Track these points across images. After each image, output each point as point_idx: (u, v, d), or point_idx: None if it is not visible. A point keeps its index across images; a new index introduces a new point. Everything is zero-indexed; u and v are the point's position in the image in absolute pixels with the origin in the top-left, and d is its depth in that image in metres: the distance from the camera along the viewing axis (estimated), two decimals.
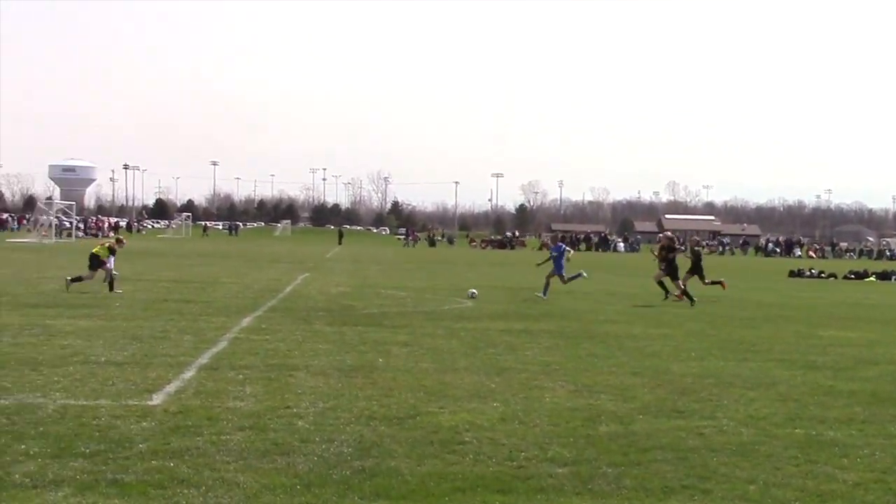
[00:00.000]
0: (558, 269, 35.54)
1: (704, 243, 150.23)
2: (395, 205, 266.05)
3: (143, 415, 12.24)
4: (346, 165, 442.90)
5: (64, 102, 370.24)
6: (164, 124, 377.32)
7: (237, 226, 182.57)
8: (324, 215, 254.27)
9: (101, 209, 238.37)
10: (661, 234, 40.63)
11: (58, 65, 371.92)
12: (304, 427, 11.86)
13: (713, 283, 38.28)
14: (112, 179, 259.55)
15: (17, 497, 8.73)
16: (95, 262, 32.32)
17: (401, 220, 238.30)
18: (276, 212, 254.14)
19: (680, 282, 35.83)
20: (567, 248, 37.04)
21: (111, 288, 31.27)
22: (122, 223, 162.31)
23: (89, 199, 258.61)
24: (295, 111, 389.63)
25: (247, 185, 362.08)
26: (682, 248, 44.60)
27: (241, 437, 11.23)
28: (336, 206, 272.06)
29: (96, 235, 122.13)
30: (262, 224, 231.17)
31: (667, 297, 35.04)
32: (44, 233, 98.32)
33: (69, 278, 31.74)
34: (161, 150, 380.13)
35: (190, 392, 13.94)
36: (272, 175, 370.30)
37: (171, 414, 12.36)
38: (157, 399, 13.33)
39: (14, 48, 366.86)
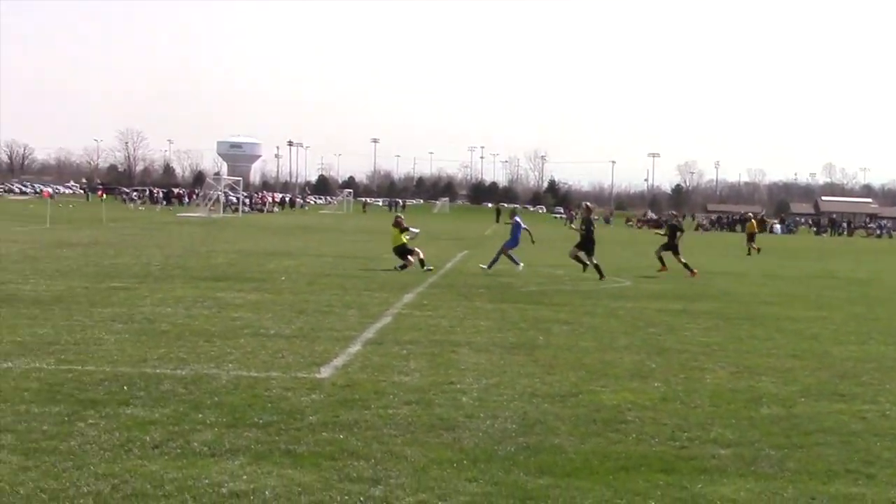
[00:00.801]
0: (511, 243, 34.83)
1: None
2: (552, 183, 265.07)
3: (312, 387, 12.43)
4: (503, 144, 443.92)
5: (230, 80, 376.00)
6: (326, 102, 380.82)
7: (396, 202, 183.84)
8: (481, 193, 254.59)
9: (265, 185, 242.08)
10: (583, 204, 39.02)
11: (224, 45, 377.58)
12: (469, 403, 11.93)
13: (685, 265, 35.52)
14: (277, 156, 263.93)
15: (198, 465, 8.92)
16: (404, 250, 32.83)
17: (557, 198, 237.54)
18: (434, 189, 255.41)
19: (680, 256, 35.61)
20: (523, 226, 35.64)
21: (422, 265, 32.22)
22: (286, 198, 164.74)
23: (255, 175, 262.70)
24: (454, 89, 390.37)
25: (406, 163, 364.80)
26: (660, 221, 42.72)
27: (408, 411, 11.34)
28: (493, 184, 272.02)
29: (261, 211, 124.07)
30: (421, 201, 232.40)
31: (585, 270, 33.37)
32: (212, 207, 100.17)
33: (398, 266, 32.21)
34: (324, 128, 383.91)
35: (356, 366, 14.11)
36: (431, 153, 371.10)
37: (339, 387, 12.52)
38: (325, 372, 13.52)
39: (184, 32, 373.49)
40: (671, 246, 36.20)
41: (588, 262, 32.96)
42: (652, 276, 34.13)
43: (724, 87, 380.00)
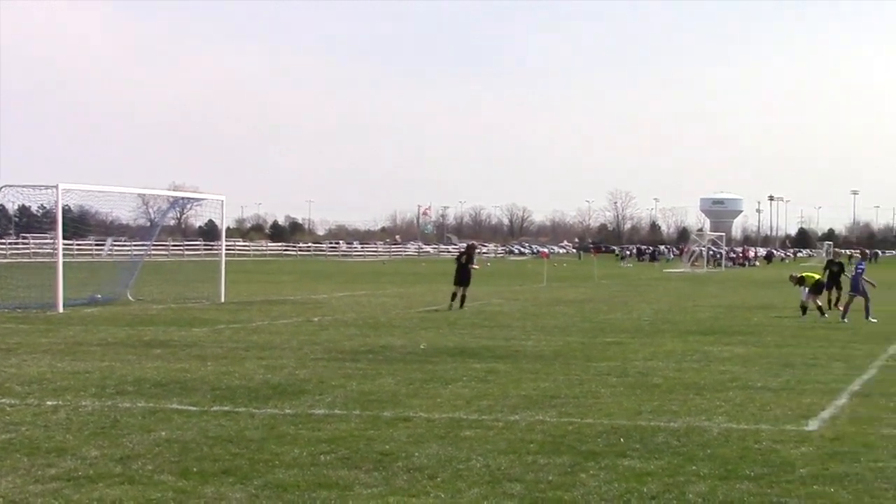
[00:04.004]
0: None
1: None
2: None
3: (800, 440, 12.12)
4: None
5: (706, 138, 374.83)
6: (806, 155, 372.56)
7: (876, 254, 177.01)
8: None
9: (747, 239, 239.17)
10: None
11: (726, 109, 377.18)
12: None
13: None
14: (758, 210, 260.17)
15: None
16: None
17: None
18: None
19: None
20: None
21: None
22: (762, 252, 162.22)
23: (736, 230, 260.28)
24: None
25: (886, 213, 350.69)
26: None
27: None
28: None
29: (743, 265, 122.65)
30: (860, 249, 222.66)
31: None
32: (696, 263, 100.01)
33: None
34: (804, 181, 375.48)
35: (844, 418, 13.65)
36: None
37: (827, 440, 12.15)
38: (812, 424, 13.15)
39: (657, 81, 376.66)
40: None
41: None
42: None
43: None
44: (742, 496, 9.49)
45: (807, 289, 32.94)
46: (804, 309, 32.58)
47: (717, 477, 10.21)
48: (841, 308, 33.26)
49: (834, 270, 37.37)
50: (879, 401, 15.15)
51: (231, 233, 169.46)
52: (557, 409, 14.09)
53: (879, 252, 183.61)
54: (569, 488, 9.73)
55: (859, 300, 31.54)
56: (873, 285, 32.21)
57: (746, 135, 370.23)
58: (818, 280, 33.30)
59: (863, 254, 35.58)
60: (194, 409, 13.85)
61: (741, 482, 10.01)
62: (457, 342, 23.15)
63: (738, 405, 14.61)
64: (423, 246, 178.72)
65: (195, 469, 10.35)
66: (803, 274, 34.79)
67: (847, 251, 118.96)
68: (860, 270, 32.48)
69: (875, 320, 30.28)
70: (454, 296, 34.88)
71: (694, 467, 10.60)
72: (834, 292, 36.64)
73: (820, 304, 32.55)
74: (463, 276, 35.30)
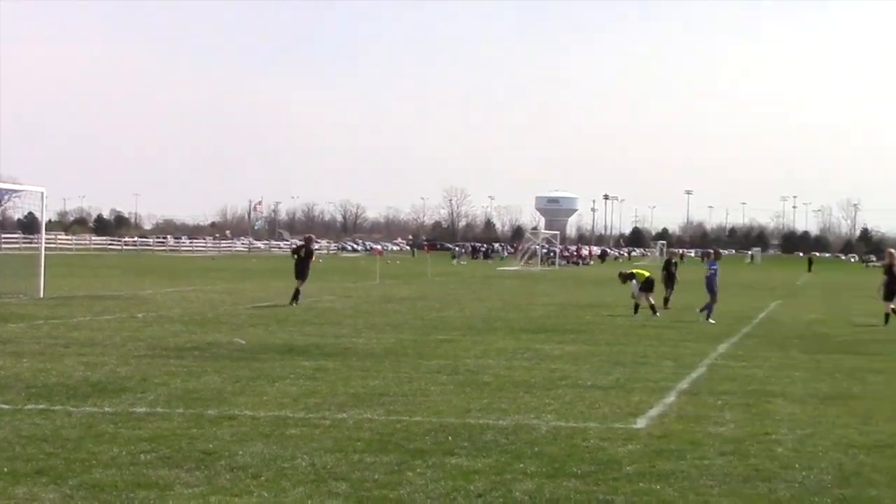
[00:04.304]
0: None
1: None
2: (864, 231, 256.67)
3: (628, 438, 12.36)
4: (815, 192, 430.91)
5: (544, 136, 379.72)
6: (640, 155, 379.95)
7: (709, 253, 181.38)
8: (793, 243, 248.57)
9: (581, 238, 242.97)
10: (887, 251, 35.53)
11: (537, 102, 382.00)
12: (784, 453, 11.63)
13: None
14: (593, 209, 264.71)
15: None
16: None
17: (870, 246, 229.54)
18: (746, 239, 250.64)
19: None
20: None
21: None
22: (597, 250, 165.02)
23: (571, 229, 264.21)
24: (765, 139, 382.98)
25: (719, 213, 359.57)
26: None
27: (723, 462, 11.14)
28: (805, 233, 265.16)
29: (577, 264, 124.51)
30: (734, 251, 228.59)
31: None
32: (529, 261, 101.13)
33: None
34: (638, 181, 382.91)
35: (672, 416, 13.96)
36: (743, 203, 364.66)
37: (654, 437, 12.41)
38: (640, 423, 13.43)
39: (490, 88, 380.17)
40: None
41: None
42: None
43: None
44: (568, 494, 9.64)
45: (638, 284, 33.55)
46: (636, 308, 33.21)
47: (544, 475, 10.34)
48: (670, 308, 34.27)
49: (672, 270, 38.27)
50: (707, 399, 15.52)
51: (52, 226, 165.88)
52: (386, 407, 14.11)
53: (711, 251, 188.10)
54: (395, 487, 9.76)
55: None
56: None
57: (582, 134, 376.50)
58: (648, 277, 33.93)
59: (716, 254, 36.31)
60: (7, 407, 13.52)
61: (568, 480, 10.16)
62: (285, 339, 23.04)
63: (567, 403, 14.83)
64: (254, 242, 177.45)
65: (6, 469, 10.10)
66: (633, 270, 35.45)
67: (680, 250, 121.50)
68: (713, 271, 33.21)
69: (713, 322, 31.00)
70: (296, 291, 35.05)
71: (521, 465, 10.72)
72: (668, 291, 37.53)
73: (652, 302, 33.21)
74: (301, 269, 35.41)
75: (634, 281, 33.83)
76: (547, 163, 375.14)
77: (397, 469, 10.46)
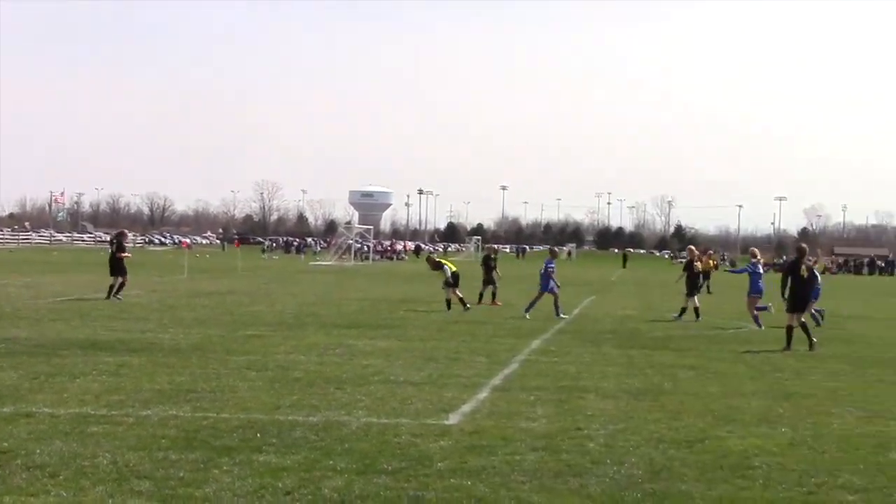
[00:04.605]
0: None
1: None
2: (678, 228, 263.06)
3: (440, 434, 12.43)
4: (630, 189, 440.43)
5: (359, 130, 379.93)
6: (456, 151, 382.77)
7: (524, 249, 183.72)
8: (608, 239, 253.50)
9: (395, 233, 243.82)
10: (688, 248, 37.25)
11: (351, 95, 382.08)
12: (595, 449, 11.85)
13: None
14: (407, 204, 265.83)
15: None
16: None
17: (683, 243, 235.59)
18: (562, 235, 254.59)
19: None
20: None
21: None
22: (411, 245, 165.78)
23: (385, 223, 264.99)
24: (581, 136, 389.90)
25: (534, 209, 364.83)
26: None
27: (535, 457, 11.29)
28: (620, 229, 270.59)
29: (391, 258, 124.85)
30: (548, 247, 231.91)
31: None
32: (343, 256, 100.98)
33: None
34: (453, 176, 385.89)
35: (484, 412, 14.09)
36: (559, 199, 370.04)
37: (466, 433, 12.51)
38: (453, 419, 13.52)
39: (303, 79, 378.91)
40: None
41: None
42: (780, 322, 33.56)
43: (852, 129, 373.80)
44: (378, 490, 9.65)
45: (446, 279, 33.86)
46: (449, 303, 33.46)
47: (353, 471, 10.34)
48: (500, 303, 34.72)
49: (491, 265, 38.63)
50: (519, 395, 15.70)
51: None
52: (192, 404, 13.94)
53: (528, 247, 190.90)
54: (200, 484, 9.65)
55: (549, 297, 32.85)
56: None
57: (397, 129, 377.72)
58: (455, 272, 34.22)
59: (552, 253, 36.69)
60: None
61: (378, 476, 10.17)
62: (88, 334, 22.58)
63: (378, 399, 14.85)
64: (56, 234, 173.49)
65: None
66: (442, 259, 35.77)
67: (496, 246, 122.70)
68: (550, 269, 33.59)
69: (565, 316, 31.55)
70: (111, 288, 34.59)
71: (331, 462, 10.70)
72: (493, 287, 37.94)
73: (461, 296, 33.50)
74: (114, 265, 34.90)
75: (446, 267, 34.18)
76: (361, 157, 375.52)
77: (203, 467, 10.34)
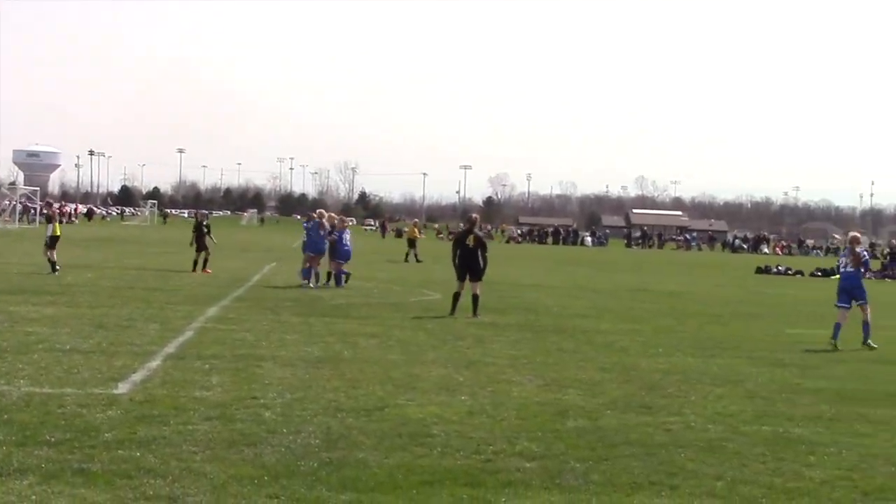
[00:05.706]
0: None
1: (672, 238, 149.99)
2: (363, 195, 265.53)
3: (108, 403, 12.21)
4: (313, 155, 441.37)
5: (29, 88, 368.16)
6: (130, 111, 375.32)
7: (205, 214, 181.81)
8: (291, 205, 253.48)
9: (65, 195, 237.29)
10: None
11: (23, 50, 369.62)
12: (271, 418, 11.86)
13: None
14: (77, 166, 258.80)
15: None
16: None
17: (368, 210, 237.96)
18: (242, 201, 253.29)
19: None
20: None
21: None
22: (84, 209, 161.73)
23: (53, 185, 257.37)
24: (263, 100, 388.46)
25: (213, 174, 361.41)
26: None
27: (208, 427, 11.23)
28: (303, 195, 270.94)
29: (60, 223, 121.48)
30: (229, 213, 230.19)
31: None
32: (6, 218, 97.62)
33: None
34: (127, 138, 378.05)
35: (156, 381, 13.92)
36: (239, 164, 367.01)
37: (137, 403, 12.33)
38: (122, 388, 13.30)
39: None
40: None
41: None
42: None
43: (536, 99, 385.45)
44: (40, 463, 9.41)
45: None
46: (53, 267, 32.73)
47: (13, 443, 10.05)
48: (210, 271, 34.33)
49: (203, 231, 37.93)
50: (194, 363, 15.57)
51: None
52: None
53: (207, 212, 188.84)
54: None
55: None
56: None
57: (67, 87, 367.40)
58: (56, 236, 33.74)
59: (342, 222, 36.00)
60: None
61: (40, 448, 9.93)
62: None
63: (42, 368, 14.48)
64: None
65: None
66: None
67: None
68: (338, 237, 33.54)
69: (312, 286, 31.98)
70: None
71: None
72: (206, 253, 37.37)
73: (55, 259, 32.89)
74: None
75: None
76: (25, 115, 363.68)
77: None
